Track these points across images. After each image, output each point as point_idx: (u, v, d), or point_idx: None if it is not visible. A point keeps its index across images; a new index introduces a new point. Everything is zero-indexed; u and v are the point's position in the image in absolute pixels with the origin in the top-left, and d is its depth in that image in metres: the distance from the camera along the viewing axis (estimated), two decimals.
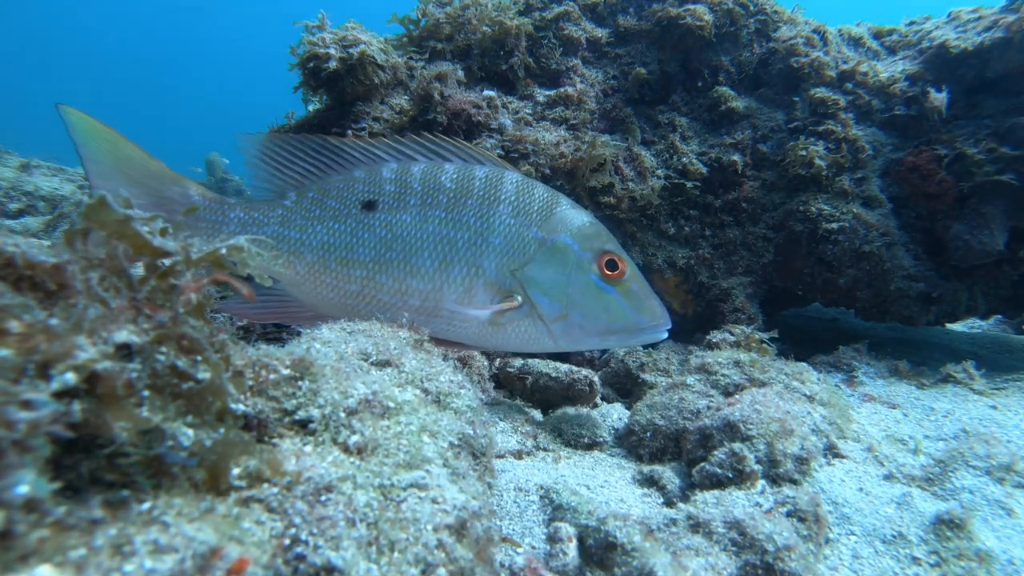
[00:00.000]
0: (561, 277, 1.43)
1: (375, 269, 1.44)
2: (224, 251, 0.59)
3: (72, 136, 1.33)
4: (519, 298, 1.43)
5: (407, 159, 1.50)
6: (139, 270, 0.57)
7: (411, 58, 2.26)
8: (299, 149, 1.51)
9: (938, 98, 2.29)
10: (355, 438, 0.68)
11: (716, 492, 1.17)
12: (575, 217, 1.48)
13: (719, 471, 1.23)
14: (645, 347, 2.03)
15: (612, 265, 1.44)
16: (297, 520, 0.56)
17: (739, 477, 1.22)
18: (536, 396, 1.78)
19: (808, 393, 1.60)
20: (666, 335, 1.50)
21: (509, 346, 1.51)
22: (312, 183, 1.50)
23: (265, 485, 0.58)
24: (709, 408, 1.47)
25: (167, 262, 0.57)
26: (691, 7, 2.35)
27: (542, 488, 1.18)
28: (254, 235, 1.45)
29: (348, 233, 1.45)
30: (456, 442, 0.79)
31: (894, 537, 1.14)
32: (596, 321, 1.43)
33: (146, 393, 0.52)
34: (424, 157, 1.50)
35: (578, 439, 1.56)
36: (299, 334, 0.97)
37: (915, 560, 1.09)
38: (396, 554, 0.58)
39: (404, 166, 1.49)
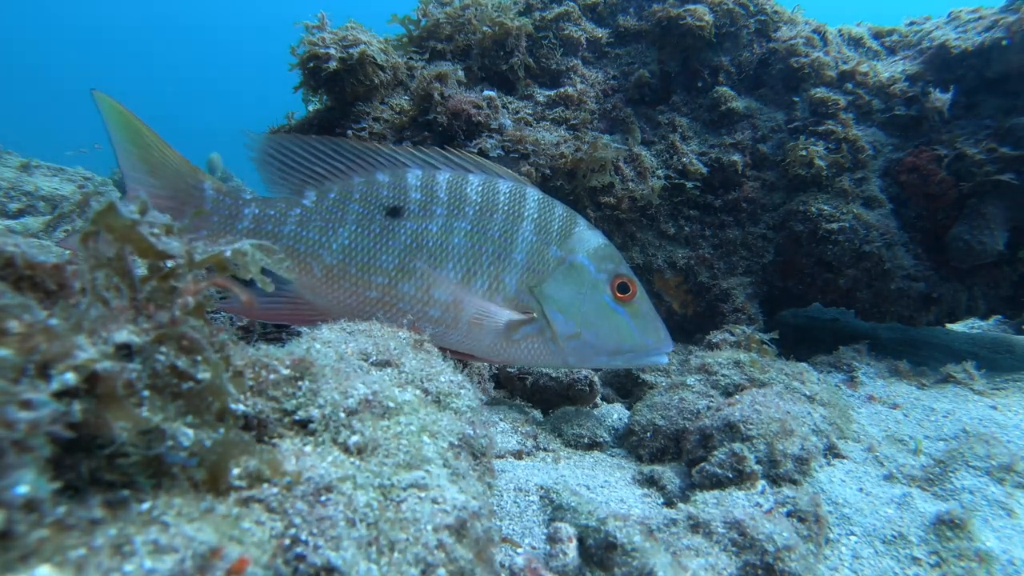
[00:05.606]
0: (577, 296, 1.45)
1: (398, 277, 1.43)
2: (228, 254, 0.59)
3: (106, 122, 1.33)
4: (535, 313, 1.45)
5: (431, 167, 1.49)
6: (142, 270, 0.57)
7: (411, 58, 2.26)
8: (315, 149, 1.48)
9: (940, 99, 2.29)
10: (355, 438, 0.68)
11: (716, 492, 1.17)
12: (592, 238, 1.51)
13: (719, 471, 1.23)
14: None
15: (624, 287, 1.47)
16: (297, 520, 0.55)
17: (739, 477, 1.22)
18: (536, 396, 1.79)
19: (808, 393, 1.60)
20: (666, 360, 1.54)
21: (520, 360, 1.53)
22: (333, 183, 1.47)
23: (265, 485, 0.58)
24: (709, 408, 1.47)
25: (170, 264, 0.57)
26: (691, 7, 2.35)
27: (542, 488, 1.18)
28: (269, 232, 1.45)
29: (372, 238, 1.43)
30: (456, 442, 0.78)
31: (894, 537, 1.14)
32: (607, 341, 1.46)
33: (146, 393, 0.52)
34: (446, 167, 1.50)
35: (578, 439, 1.56)
36: (299, 334, 0.97)
37: (915, 560, 1.09)
38: (396, 554, 0.58)
39: (429, 174, 1.48)
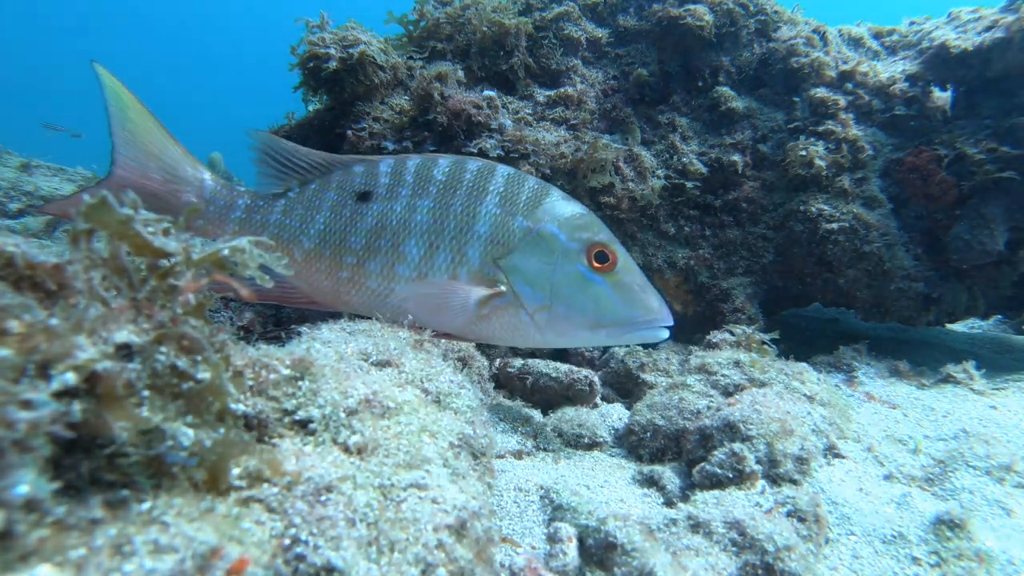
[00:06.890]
0: (545, 267, 1.39)
1: (365, 256, 1.48)
2: (226, 252, 0.59)
3: (105, 96, 1.38)
4: (503, 286, 1.40)
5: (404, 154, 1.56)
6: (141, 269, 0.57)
7: (411, 58, 2.26)
8: (305, 153, 1.58)
9: (941, 97, 2.29)
10: (355, 438, 0.68)
11: (716, 492, 1.17)
12: (564, 207, 1.45)
13: (719, 471, 1.23)
14: (645, 347, 2.03)
15: (602, 257, 1.38)
16: (297, 520, 0.55)
17: (739, 477, 1.22)
18: (536, 396, 1.78)
19: (808, 393, 1.60)
20: (667, 334, 1.42)
21: (495, 337, 1.48)
22: (315, 177, 1.57)
23: (265, 485, 0.58)
24: (709, 408, 1.47)
25: (168, 262, 0.57)
26: (691, 7, 2.35)
27: (542, 488, 1.18)
28: (258, 221, 1.51)
29: (343, 222, 1.51)
30: (456, 442, 0.79)
31: (894, 537, 1.14)
32: (582, 313, 1.38)
33: (146, 393, 0.52)
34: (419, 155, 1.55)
35: (578, 439, 1.56)
36: (299, 334, 0.97)
37: (915, 560, 1.09)
38: (396, 554, 0.58)
39: (400, 160, 1.54)
